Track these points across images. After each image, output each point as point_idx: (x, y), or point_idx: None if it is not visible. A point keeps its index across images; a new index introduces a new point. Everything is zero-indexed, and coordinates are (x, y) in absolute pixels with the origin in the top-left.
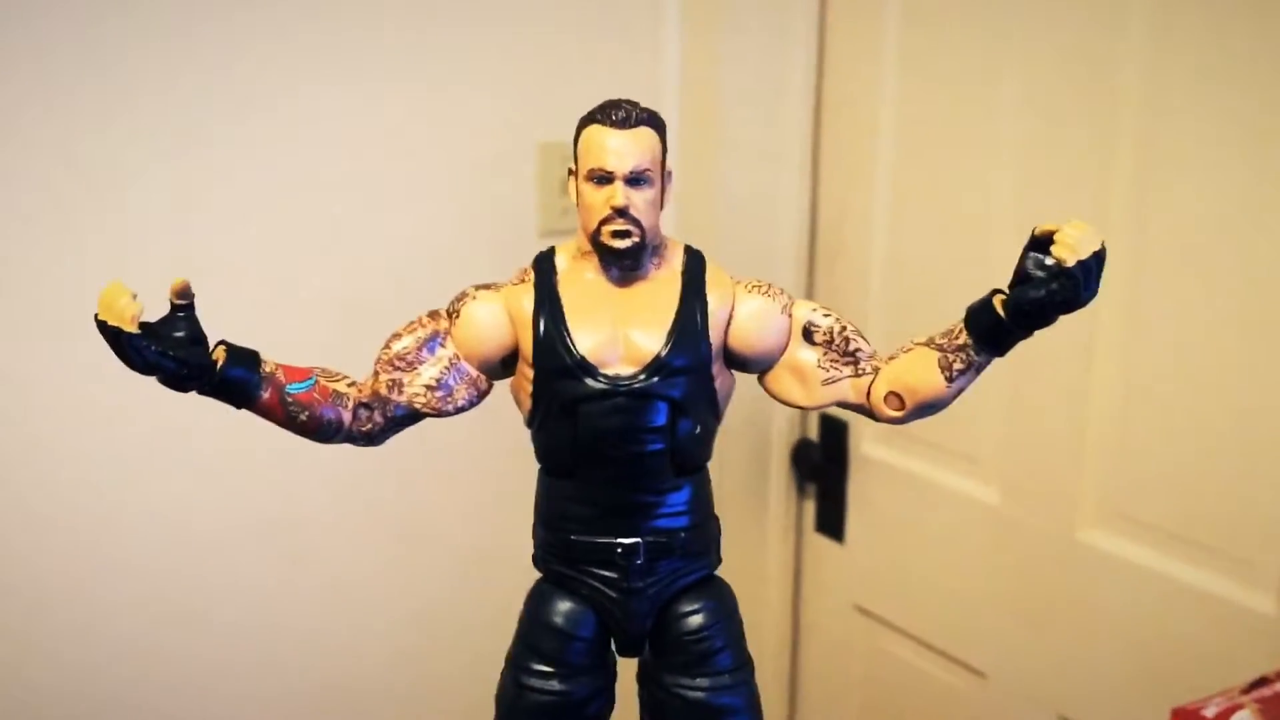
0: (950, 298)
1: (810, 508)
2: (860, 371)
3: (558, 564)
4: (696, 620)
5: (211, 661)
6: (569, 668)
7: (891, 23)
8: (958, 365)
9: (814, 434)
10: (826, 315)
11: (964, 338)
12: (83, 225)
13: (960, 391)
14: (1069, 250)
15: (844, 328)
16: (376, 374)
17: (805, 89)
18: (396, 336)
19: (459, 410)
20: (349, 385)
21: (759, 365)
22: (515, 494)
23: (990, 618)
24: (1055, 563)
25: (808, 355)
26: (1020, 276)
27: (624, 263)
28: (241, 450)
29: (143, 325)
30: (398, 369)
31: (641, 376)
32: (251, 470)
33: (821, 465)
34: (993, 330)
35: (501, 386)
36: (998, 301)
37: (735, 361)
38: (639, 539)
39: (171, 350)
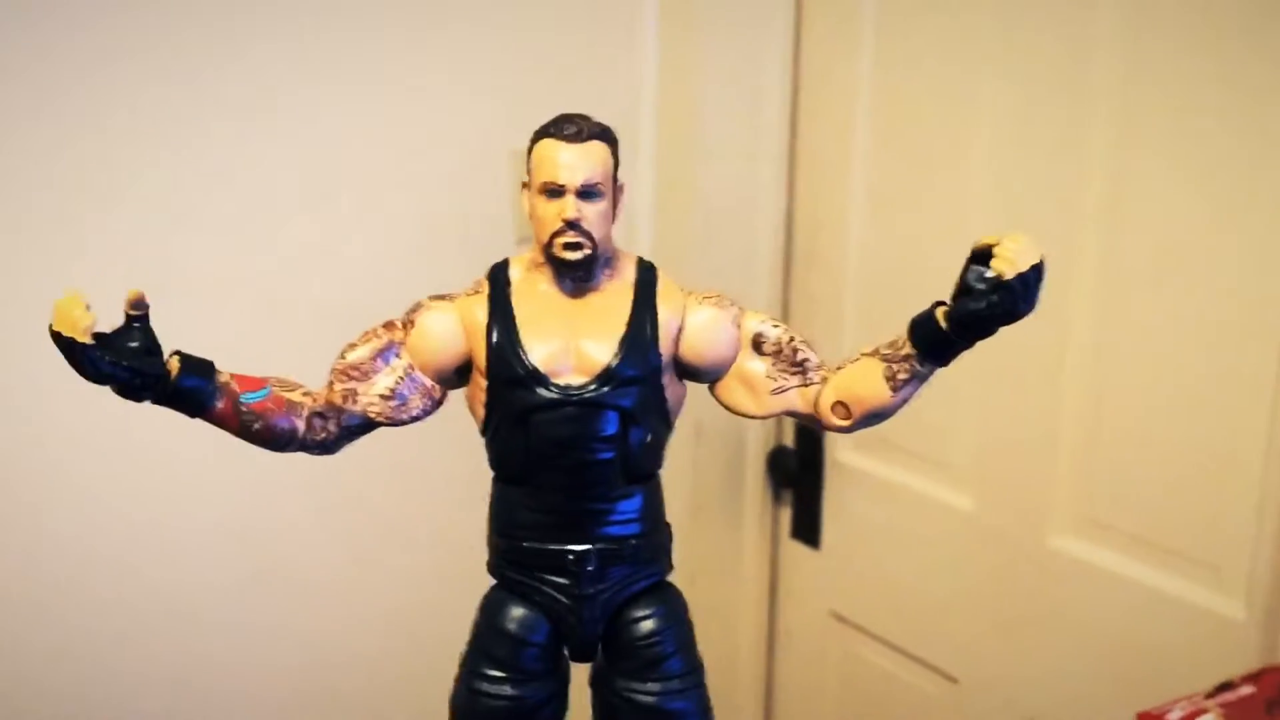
0: (925, 302)
1: (786, 514)
2: (808, 381)
3: (511, 570)
4: (647, 626)
5: (186, 660)
6: (522, 673)
7: (868, 28)
8: (902, 375)
9: (790, 441)
10: (775, 326)
11: (908, 348)
12: (63, 230)
13: (905, 401)
14: (1008, 264)
15: (792, 339)
16: (331, 384)
17: (781, 94)
18: (351, 346)
19: (413, 419)
20: (304, 395)
21: (709, 375)
22: (479, 502)
23: (963, 623)
24: (1027, 569)
25: (757, 365)
26: (961, 289)
27: (576, 274)
28: (214, 452)
29: (97, 336)
30: (352, 379)
31: (592, 386)
32: (224, 472)
33: (797, 472)
34: (935, 341)
35: (457, 395)
36: (940, 313)
37: (686, 371)
38: (590, 546)
39: (125, 360)
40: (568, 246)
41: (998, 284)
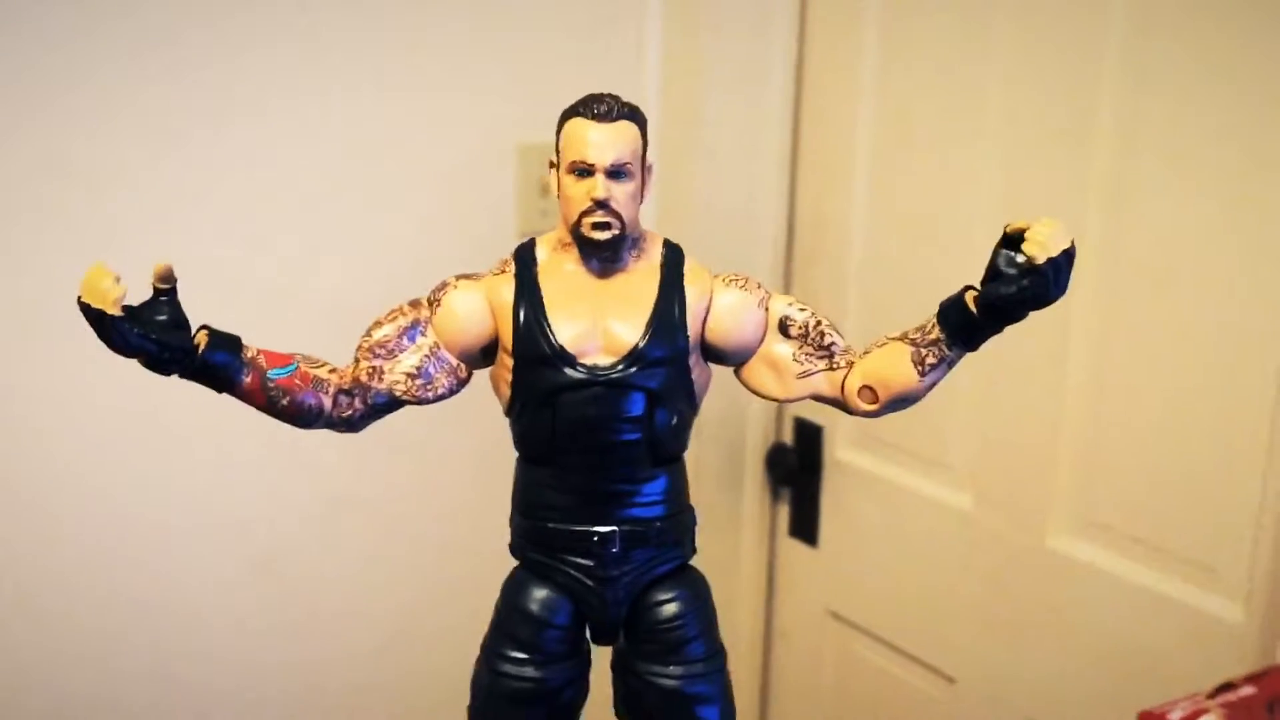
0: (927, 299)
1: (784, 512)
2: (835, 365)
3: (534, 551)
4: (670, 609)
5: (187, 655)
6: (544, 655)
7: (871, 25)
8: (930, 360)
9: (789, 439)
10: (802, 310)
11: (936, 333)
12: (71, 226)
13: (933, 385)
14: (1039, 248)
15: (819, 322)
16: (357, 361)
17: (785, 91)
18: (377, 324)
19: (439, 398)
20: (330, 372)
21: (735, 358)
22: (494, 484)
23: (961, 623)
24: (1026, 569)
25: (783, 348)
26: (992, 273)
27: (603, 254)
28: (219, 443)
29: (126, 308)
30: (378, 356)
31: (619, 367)
32: (229, 464)
33: (796, 470)
34: (965, 326)
35: (481, 375)
36: (969, 298)
37: (712, 354)
38: (615, 527)
39: (154, 333)
40: (596, 226)
41: (1029, 268)
